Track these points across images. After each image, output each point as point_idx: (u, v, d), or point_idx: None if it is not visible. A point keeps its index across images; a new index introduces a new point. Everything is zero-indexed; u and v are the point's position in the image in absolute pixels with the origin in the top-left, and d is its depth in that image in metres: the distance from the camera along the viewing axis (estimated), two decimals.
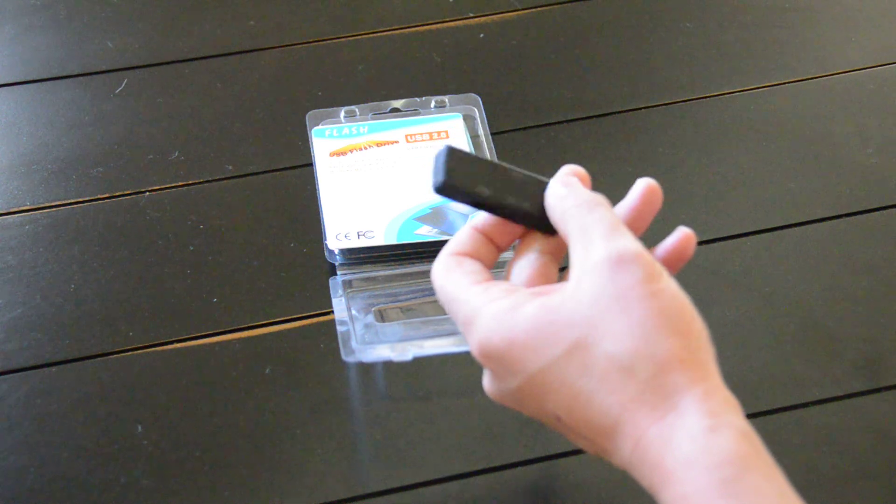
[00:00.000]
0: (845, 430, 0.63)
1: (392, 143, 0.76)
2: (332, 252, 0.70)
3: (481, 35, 0.88)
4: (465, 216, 0.70)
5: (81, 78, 0.85)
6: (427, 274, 0.69)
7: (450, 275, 0.52)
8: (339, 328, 0.65)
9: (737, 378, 0.50)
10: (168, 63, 0.86)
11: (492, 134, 0.77)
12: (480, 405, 0.63)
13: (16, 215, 0.75)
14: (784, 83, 0.84)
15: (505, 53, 0.86)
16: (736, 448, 0.44)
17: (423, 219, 0.71)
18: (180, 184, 0.77)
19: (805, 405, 0.64)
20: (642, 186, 0.52)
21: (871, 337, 0.68)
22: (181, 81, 0.85)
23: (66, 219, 0.75)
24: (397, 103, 0.79)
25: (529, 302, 0.49)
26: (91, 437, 0.63)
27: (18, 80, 0.85)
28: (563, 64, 0.86)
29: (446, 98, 0.80)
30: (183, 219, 0.75)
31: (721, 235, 0.73)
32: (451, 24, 0.89)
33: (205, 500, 0.61)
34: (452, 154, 0.53)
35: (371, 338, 0.65)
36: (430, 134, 0.77)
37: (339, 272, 0.69)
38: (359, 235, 0.70)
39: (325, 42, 0.88)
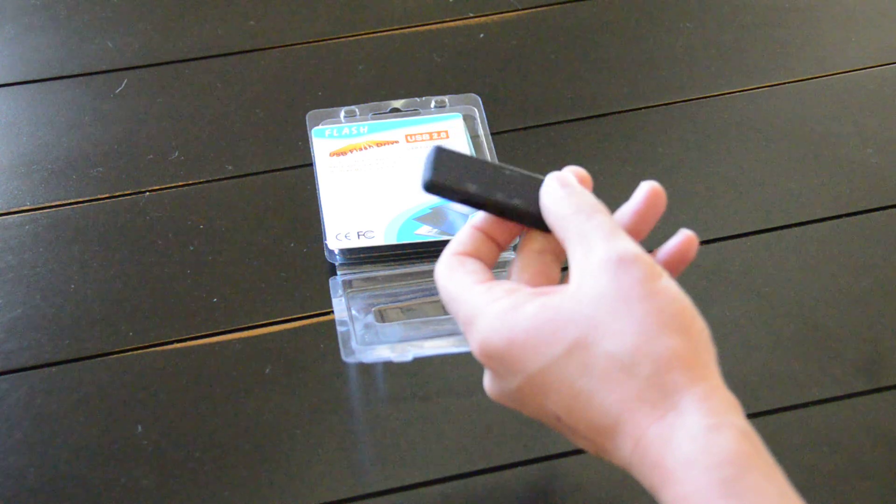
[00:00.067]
0: (845, 430, 0.63)
1: (392, 143, 0.76)
2: (332, 252, 0.70)
3: (481, 35, 0.88)
4: (465, 216, 0.70)
5: (81, 78, 0.85)
6: (427, 274, 0.69)
7: (452, 274, 0.52)
8: (339, 328, 0.65)
9: (737, 378, 0.50)
10: (168, 63, 0.86)
11: (492, 134, 0.77)
12: (480, 405, 0.63)
13: (16, 215, 0.75)
14: (784, 83, 0.84)
15: (505, 53, 0.86)
16: (736, 448, 0.44)
17: (423, 219, 0.71)
18: (180, 184, 0.77)
19: (805, 405, 0.64)
20: (646, 189, 0.52)
21: (871, 337, 0.68)
22: (181, 81, 0.85)
23: (66, 219, 0.75)
24: (397, 103, 0.79)
25: (530, 302, 0.49)
26: (91, 437, 0.63)
27: (18, 80, 0.85)
28: (563, 64, 0.86)
29: (446, 98, 0.80)
30: (183, 219, 0.75)
31: (721, 235, 0.73)
32: (451, 24, 0.89)
33: (205, 500, 0.61)
34: (441, 153, 0.54)
35: (371, 338, 0.65)
36: (430, 134, 0.77)
37: (339, 272, 0.69)
38: (359, 235, 0.70)
39: (325, 42, 0.88)
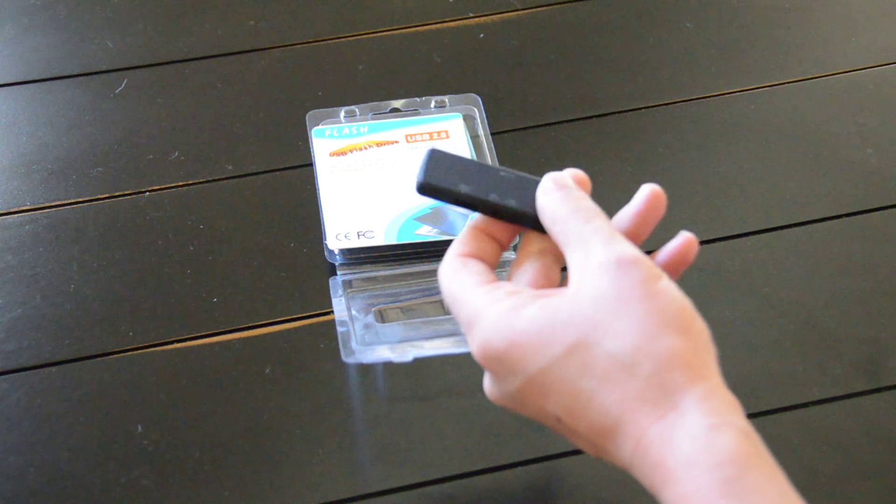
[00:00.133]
0: (845, 430, 0.63)
1: (392, 143, 0.76)
2: (332, 252, 0.70)
3: (481, 35, 0.88)
4: (465, 216, 0.70)
5: (81, 78, 0.85)
6: (427, 274, 0.69)
7: (456, 275, 0.52)
8: (339, 329, 0.65)
9: (737, 378, 0.50)
10: (168, 63, 0.86)
11: (492, 134, 0.77)
12: (480, 405, 0.63)
13: (16, 215, 0.75)
14: (784, 83, 0.84)
15: (505, 53, 0.86)
16: (737, 447, 0.44)
17: (423, 219, 0.71)
18: (180, 184, 0.77)
19: (805, 405, 0.64)
20: (646, 192, 0.52)
21: (871, 337, 0.68)
22: (181, 81, 0.85)
23: (66, 219, 0.75)
24: (397, 103, 0.79)
25: (531, 303, 0.49)
26: (91, 437, 0.63)
27: (18, 80, 0.85)
28: (563, 64, 0.86)
29: (446, 98, 0.80)
30: (183, 219, 0.75)
31: (721, 235, 0.73)
32: (451, 24, 0.89)
33: (205, 500, 0.61)
34: (435, 155, 0.55)
35: (371, 338, 0.65)
36: (430, 134, 0.77)
37: (339, 272, 0.69)
38: (359, 235, 0.70)
39: (325, 42, 0.88)
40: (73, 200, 0.76)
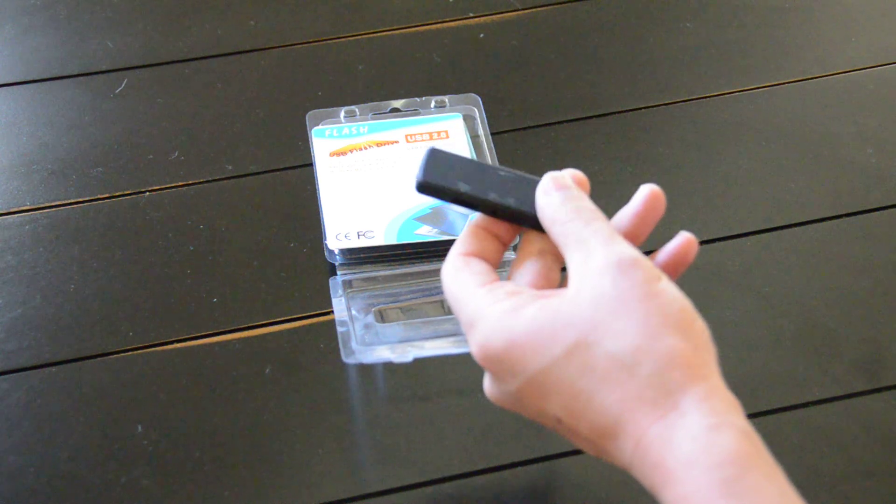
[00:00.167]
0: (845, 430, 0.63)
1: (392, 143, 0.76)
2: (332, 252, 0.70)
3: (481, 35, 0.88)
4: (465, 216, 0.70)
5: (81, 78, 0.85)
6: (427, 274, 0.69)
7: (458, 275, 0.52)
8: (339, 329, 0.65)
9: (737, 378, 0.50)
10: (168, 63, 0.86)
11: (492, 134, 0.77)
12: (480, 405, 0.63)
13: (16, 215, 0.75)
14: (784, 83, 0.84)
15: (505, 53, 0.86)
16: (737, 447, 0.44)
17: (423, 219, 0.71)
18: (180, 184, 0.77)
19: (805, 405, 0.64)
20: (646, 192, 0.52)
21: (871, 337, 0.68)
22: (181, 81, 0.85)
23: (66, 219, 0.75)
24: (397, 103, 0.79)
25: (531, 304, 0.49)
26: (91, 437, 0.63)
27: (18, 80, 0.85)
28: (563, 64, 0.86)
29: (446, 98, 0.80)
30: (183, 219, 0.75)
31: (721, 235, 0.73)
32: (451, 24, 0.89)
33: (205, 500, 0.61)
34: (434, 154, 0.55)
35: (371, 338, 0.65)
36: (430, 134, 0.77)
37: (339, 272, 0.69)
38: (359, 235, 0.70)
39: (325, 42, 0.88)
40: (73, 200, 0.76)
